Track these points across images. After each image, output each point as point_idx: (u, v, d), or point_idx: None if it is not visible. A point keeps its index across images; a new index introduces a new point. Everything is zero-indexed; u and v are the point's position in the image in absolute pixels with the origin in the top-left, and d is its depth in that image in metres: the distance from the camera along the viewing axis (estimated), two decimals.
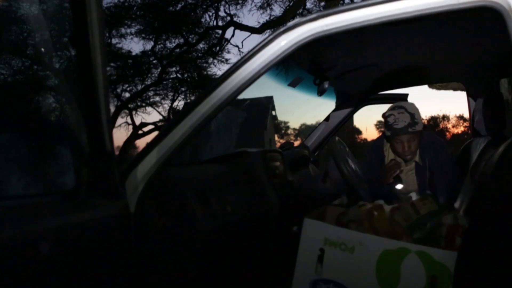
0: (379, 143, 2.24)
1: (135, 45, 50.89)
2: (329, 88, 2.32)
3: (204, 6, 11.16)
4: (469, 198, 1.68)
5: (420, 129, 2.01)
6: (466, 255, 1.10)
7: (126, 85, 13.05)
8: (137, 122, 14.41)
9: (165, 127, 1.16)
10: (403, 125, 1.96)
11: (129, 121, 14.29)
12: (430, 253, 1.23)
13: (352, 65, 2.14)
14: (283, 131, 31.64)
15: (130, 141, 14.51)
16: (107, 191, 1.02)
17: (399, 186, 2.07)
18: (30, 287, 0.80)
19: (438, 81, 4.28)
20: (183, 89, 13.70)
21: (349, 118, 2.85)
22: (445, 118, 21.26)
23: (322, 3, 9.90)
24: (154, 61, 12.64)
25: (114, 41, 12.06)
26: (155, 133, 12.97)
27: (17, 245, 0.77)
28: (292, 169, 2.13)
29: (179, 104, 13.98)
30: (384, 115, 2.06)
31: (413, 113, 1.99)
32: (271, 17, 10.56)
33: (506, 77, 2.37)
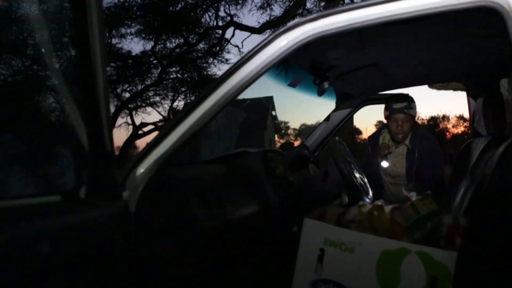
0: (377, 133, 2.61)
1: (135, 45, 50.96)
2: (329, 88, 2.32)
3: (204, 6, 11.16)
4: (469, 198, 1.68)
5: (413, 114, 2.37)
6: (466, 255, 1.10)
7: (126, 85, 13.07)
8: (137, 122, 14.44)
9: (165, 127, 1.16)
10: (400, 106, 2.35)
11: (129, 121, 14.32)
12: (430, 253, 1.23)
13: (352, 65, 2.14)
14: (283, 131, 31.67)
15: (130, 141, 14.52)
16: (107, 191, 1.02)
17: (384, 164, 2.43)
18: (30, 287, 0.80)
19: (438, 81, 4.27)
20: (183, 89, 13.72)
21: (349, 118, 2.85)
22: (445, 118, 21.27)
23: (322, 3, 9.90)
24: (154, 61, 12.65)
25: (114, 41, 12.07)
26: (155, 133, 12.97)
27: (17, 245, 0.77)
28: (292, 169, 2.13)
29: (179, 104, 14.00)
30: (386, 98, 2.49)
31: (410, 100, 2.38)
32: (271, 17, 10.58)
33: (506, 77, 2.37)
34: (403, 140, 2.42)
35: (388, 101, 2.42)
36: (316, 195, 2.18)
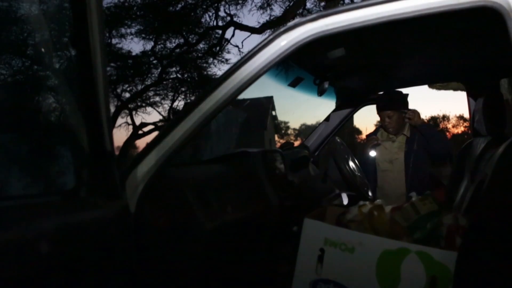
0: (376, 130, 2.77)
1: (135, 45, 50.87)
2: (329, 88, 2.32)
3: (204, 6, 11.15)
4: (469, 198, 1.68)
5: (400, 108, 2.52)
6: (466, 255, 1.10)
7: (126, 85, 13.06)
8: (137, 122, 14.43)
9: (165, 127, 1.16)
10: (384, 104, 2.55)
11: (129, 121, 14.31)
12: (430, 253, 1.23)
13: (352, 65, 2.14)
14: (283, 131, 31.65)
15: (130, 141, 14.52)
16: (107, 191, 1.02)
17: (372, 153, 2.60)
18: (30, 287, 0.80)
19: (438, 81, 4.27)
20: (183, 89, 13.71)
21: (349, 118, 2.85)
22: (445, 118, 21.26)
23: (322, 3, 9.89)
24: (154, 61, 12.65)
25: (114, 41, 12.07)
26: (155, 133, 12.97)
27: (17, 245, 0.77)
28: (292, 169, 2.13)
29: (179, 104, 13.99)
30: (375, 98, 2.67)
31: (396, 96, 2.54)
32: (271, 17, 10.56)
33: (506, 77, 2.38)
34: (395, 133, 2.58)
35: (377, 100, 2.61)
36: (316, 195, 2.18)
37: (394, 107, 2.52)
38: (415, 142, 2.50)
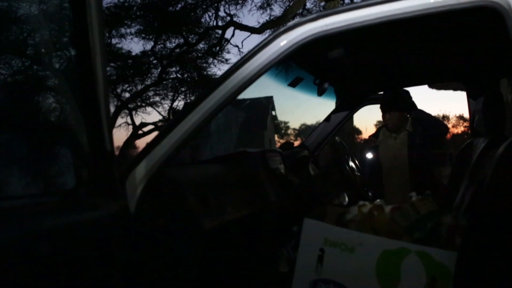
0: (378, 130, 2.82)
1: (135, 45, 50.75)
2: (329, 88, 2.32)
3: (204, 6, 11.15)
4: (469, 198, 1.68)
5: (400, 110, 2.58)
6: (466, 255, 1.10)
7: (126, 85, 13.07)
8: (137, 122, 14.44)
9: (165, 127, 1.16)
10: (384, 106, 2.62)
11: (129, 121, 14.32)
12: (430, 253, 1.23)
13: (352, 65, 2.14)
14: (283, 131, 31.64)
15: (130, 141, 14.53)
16: (107, 191, 1.02)
17: (369, 155, 2.68)
18: (30, 287, 0.80)
19: (438, 81, 4.27)
20: (183, 89, 13.72)
21: (349, 118, 2.86)
22: (445, 118, 21.27)
23: (322, 3, 9.88)
24: (154, 61, 12.65)
25: (114, 41, 12.06)
26: (155, 133, 12.97)
27: (17, 245, 0.77)
28: (292, 169, 2.13)
29: (179, 104, 14.01)
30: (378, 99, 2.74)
31: (395, 98, 2.58)
32: (271, 17, 10.54)
33: (506, 77, 2.38)
34: (396, 130, 2.63)
35: (381, 100, 2.66)
36: (316, 195, 2.18)
37: (398, 107, 2.56)
38: (417, 136, 2.54)
